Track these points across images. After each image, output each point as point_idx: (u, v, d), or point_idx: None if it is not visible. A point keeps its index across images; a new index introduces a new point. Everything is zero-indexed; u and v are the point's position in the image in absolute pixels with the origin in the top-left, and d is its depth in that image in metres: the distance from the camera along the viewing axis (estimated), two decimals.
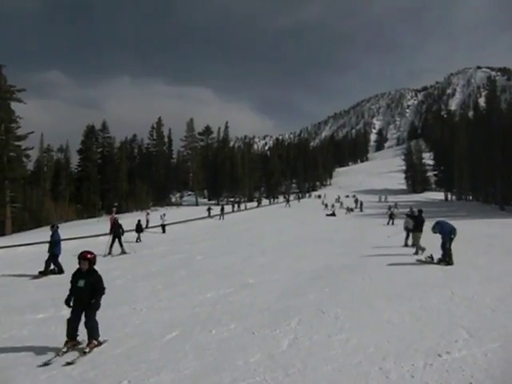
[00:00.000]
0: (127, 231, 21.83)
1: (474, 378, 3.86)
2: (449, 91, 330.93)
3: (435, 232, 11.14)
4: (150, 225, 27.80)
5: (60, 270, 11.29)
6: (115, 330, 5.94)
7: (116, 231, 15.86)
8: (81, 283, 5.16)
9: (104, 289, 5.30)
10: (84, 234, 21.55)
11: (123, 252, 15.63)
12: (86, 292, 5.15)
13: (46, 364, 4.64)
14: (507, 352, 4.46)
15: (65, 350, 4.99)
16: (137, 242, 20.10)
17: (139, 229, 21.16)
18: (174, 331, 5.79)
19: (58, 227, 12.13)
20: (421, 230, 13.15)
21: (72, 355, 4.91)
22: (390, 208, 40.81)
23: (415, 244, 13.18)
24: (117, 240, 15.74)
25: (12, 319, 6.70)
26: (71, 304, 5.21)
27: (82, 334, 5.23)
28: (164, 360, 4.71)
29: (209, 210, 41.17)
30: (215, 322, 6.14)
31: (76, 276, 5.27)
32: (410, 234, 13.31)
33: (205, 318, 6.50)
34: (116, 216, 18.04)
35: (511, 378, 3.81)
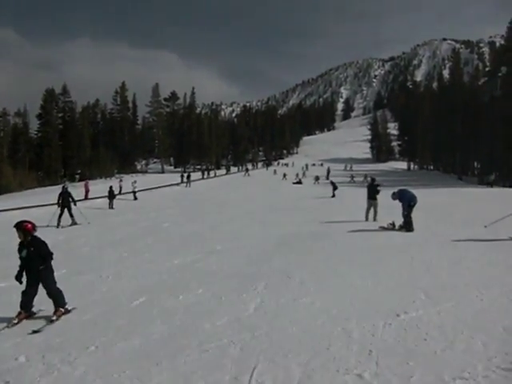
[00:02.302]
0: (95, 198, 21.28)
1: (428, 334, 4.10)
2: (415, 62, 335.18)
3: (394, 198, 11.59)
4: (122, 191, 27.60)
5: None
6: (82, 297, 5.89)
7: (65, 200, 14.51)
8: (23, 253, 5.10)
9: (51, 254, 5.19)
10: (46, 202, 20.86)
11: (74, 223, 14.39)
12: (33, 261, 5.06)
13: None
14: (458, 311, 4.76)
15: (16, 321, 4.89)
16: (110, 208, 20.07)
17: (112, 195, 20.94)
18: (141, 297, 5.80)
19: None
20: (374, 198, 13.31)
21: (39, 323, 4.86)
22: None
23: (366, 212, 13.35)
24: (66, 210, 14.44)
25: None
26: (23, 279, 5.13)
27: (38, 303, 5.19)
28: (132, 325, 4.74)
29: (182, 176, 40.99)
30: (182, 288, 6.18)
31: (20, 247, 5.18)
32: (372, 207, 13.40)
33: (172, 284, 6.53)
34: (65, 184, 16.92)
35: (460, 333, 4.09)
